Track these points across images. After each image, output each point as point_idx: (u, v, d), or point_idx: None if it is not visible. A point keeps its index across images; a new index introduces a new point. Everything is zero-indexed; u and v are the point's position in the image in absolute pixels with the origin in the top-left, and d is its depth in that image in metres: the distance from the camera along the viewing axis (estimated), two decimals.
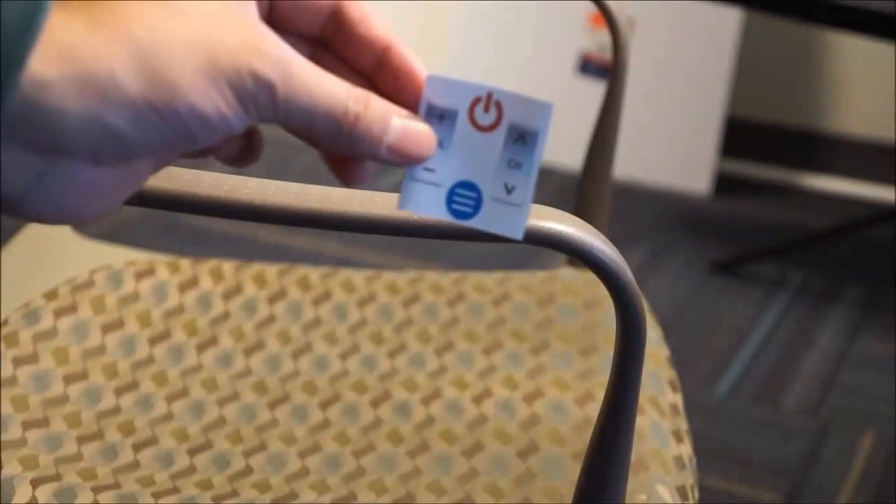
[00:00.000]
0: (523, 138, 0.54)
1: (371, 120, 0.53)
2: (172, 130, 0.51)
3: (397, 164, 0.54)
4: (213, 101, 0.51)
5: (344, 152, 0.54)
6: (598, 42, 2.58)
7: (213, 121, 0.51)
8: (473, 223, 0.54)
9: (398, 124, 0.54)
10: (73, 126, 0.49)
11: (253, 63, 0.51)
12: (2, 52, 0.47)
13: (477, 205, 0.55)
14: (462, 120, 0.55)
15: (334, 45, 0.58)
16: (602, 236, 0.58)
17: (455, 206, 0.55)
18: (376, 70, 0.57)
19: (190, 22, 0.51)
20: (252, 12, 0.53)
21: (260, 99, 0.52)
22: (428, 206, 0.55)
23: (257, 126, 0.56)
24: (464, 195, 0.55)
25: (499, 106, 0.54)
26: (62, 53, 0.49)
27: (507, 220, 0.54)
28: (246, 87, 0.51)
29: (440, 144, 0.55)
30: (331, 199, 0.60)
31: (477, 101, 0.55)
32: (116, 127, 0.50)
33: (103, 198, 0.53)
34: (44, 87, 0.48)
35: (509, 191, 0.54)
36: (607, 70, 2.59)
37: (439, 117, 0.55)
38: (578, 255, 0.57)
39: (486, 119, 0.55)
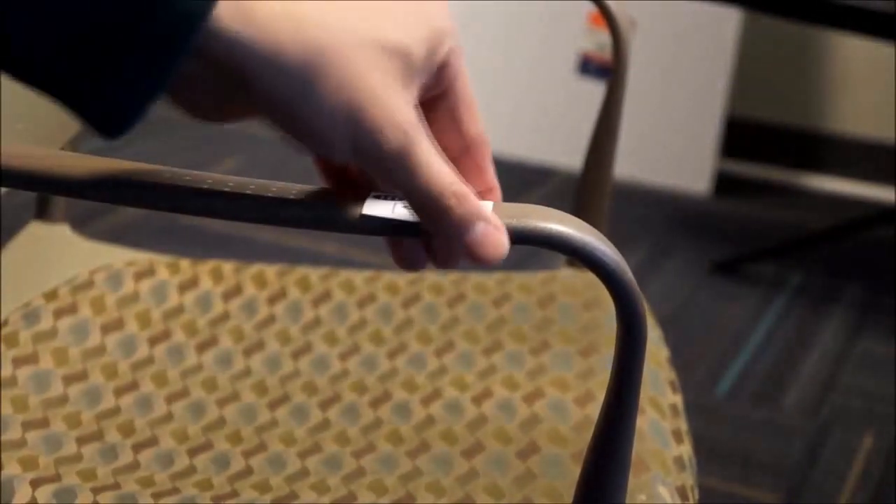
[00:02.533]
0: None
1: (461, 217, 0.57)
2: (287, 117, 0.54)
3: (468, 259, 0.58)
4: (329, 120, 0.54)
5: (424, 227, 0.58)
6: (598, 42, 2.58)
7: (318, 132, 0.54)
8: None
9: (480, 228, 0.58)
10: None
11: (384, 128, 0.55)
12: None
13: None
14: None
15: (430, 120, 0.61)
16: (601, 236, 0.58)
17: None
18: (458, 156, 0.62)
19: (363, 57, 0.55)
20: (405, 85, 0.56)
21: (366, 148, 0.55)
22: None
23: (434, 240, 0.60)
24: None
25: None
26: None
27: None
28: (365, 143, 0.55)
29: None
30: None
31: None
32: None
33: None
34: None
35: None
36: (607, 70, 2.59)
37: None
38: (578, 256, 0.57)
39: None
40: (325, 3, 0.54)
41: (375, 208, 0.58)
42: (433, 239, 0.60)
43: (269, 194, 0.59)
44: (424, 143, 0.57)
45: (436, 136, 0.62)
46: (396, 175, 0.56)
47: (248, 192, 0.59)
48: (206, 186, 0.59)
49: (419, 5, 0.57)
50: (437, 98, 0.61)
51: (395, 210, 0.58)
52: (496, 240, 0.58)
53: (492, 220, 0.58)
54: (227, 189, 0.59)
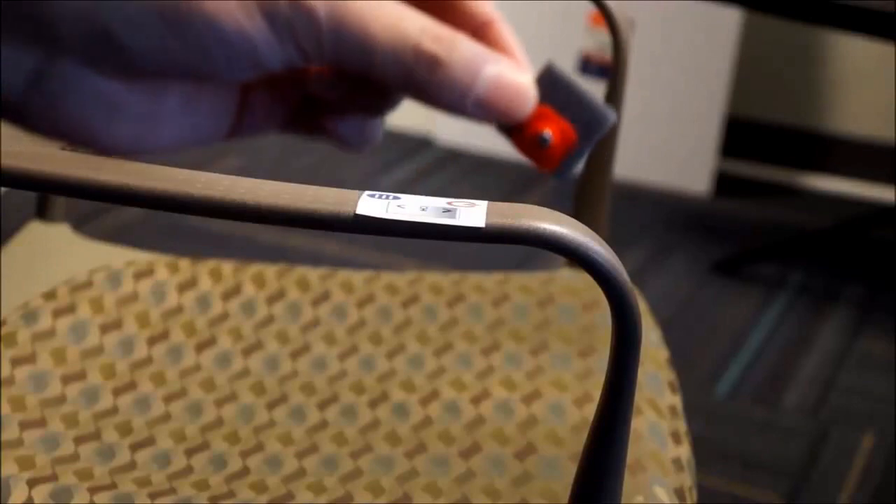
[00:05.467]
0: None
1: (457, 66, 0.44)
2: (181, 45, 0.44)
3: (485, 121, 0.46)
4: (234, 19, 0.43)
5: (419, 100, 0.46)
6: (598, 42, 2.58)
7: (233, 41, 0.44)
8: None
9: (492, 73, 0.45)
10: (64, 16, 0.44)
11: None
12: None
13: None
14: None
15: (428, 10, 0.49)
16: (596, 237, 0.58)
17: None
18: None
19: None
20: None
21: (297, 26, 0.44)
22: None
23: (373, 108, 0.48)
24: None
25: None
26: None
27: None
28: (279, 9, 0.44)
29: None
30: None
31: None
32: (109, 27, 0.44)
33: (121, 121, 0.47)
34: None
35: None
36: (607, 70, 2.59)
37: None
38: (572, 256, 0.57)
39: None
40: None
41: (369, 207, 0.58)
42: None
43: (263, 194, 0.59)
44: None
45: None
46: (341, 41, 0.44)
47: (241, 191, 0.59)
48: (199, 186, 0.59)
49: None
50: None
51: (388, 209, 0.58)
52: (516, 86, 0.45)
53: (503, 61, 0.45)
54: (220, 189, 0.59)
